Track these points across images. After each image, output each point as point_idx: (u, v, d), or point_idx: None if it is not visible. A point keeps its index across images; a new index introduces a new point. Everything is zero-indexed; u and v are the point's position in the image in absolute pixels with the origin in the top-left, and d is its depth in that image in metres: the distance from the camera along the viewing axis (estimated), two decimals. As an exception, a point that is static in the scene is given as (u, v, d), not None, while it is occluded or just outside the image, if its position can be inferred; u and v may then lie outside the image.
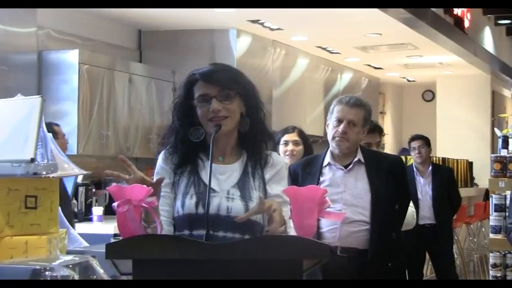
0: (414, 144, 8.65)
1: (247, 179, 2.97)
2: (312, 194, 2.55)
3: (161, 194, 2.88)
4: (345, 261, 4.23)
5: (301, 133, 5.55)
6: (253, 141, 3.02)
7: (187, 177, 2.98)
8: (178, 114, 3.01)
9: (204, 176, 2.96)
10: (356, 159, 4.36)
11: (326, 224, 4.25)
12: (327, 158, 4.41)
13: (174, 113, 3.03)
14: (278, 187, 2.99)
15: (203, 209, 2.89)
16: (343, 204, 4.25)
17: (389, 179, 4.34)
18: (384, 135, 5.64)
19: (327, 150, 4.44)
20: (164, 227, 2.88)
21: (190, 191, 2.94)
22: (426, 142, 8.67)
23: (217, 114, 2.92)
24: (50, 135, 2.89)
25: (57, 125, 7.35)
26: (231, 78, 2.99)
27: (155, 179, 2.98)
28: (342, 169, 4.37)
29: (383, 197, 4.29)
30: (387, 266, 4.28)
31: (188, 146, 2.98)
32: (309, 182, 4.24)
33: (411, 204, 4.90)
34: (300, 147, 5.46)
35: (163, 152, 3.04)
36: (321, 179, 4.38)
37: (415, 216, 5.05)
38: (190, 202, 2.92)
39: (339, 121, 4.32)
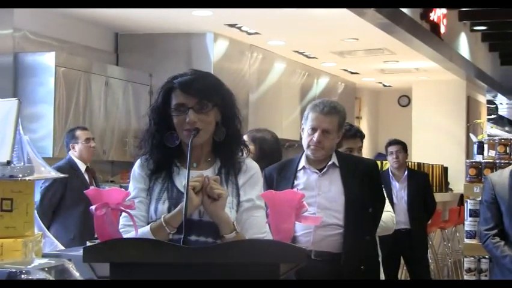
0: (392, 148, 8.68)
1: (220, 184, 2.97)
2: (289, 198, 2.55)
3: (138, 199, 2.89)
4: (319, 265, 4.23)
5: (252, 136, 5.50)
6: (228, 150, 3.02)
7: (161, 183, 2.98)
8: (154, 119, 3.01)
9: (178, 182, 2.96)
10: (330, 162, 4.38)
11: (300, 228, 4.26)
12: (302, 162, 4.43)
13: (151, 117, 3.02)
14: (252, 192, 2.99)
15: None
16: (317, 208, 4.26)
17: (364, 183, 4.36)
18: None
19: (302, 153, 4.45)
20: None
21: (163, 197, 2.94)
22: (403, 147, 8.70)
23: (193, 126, 2.91)
24: (26, 137, 2.88)
25: (84, 128, 7.31)
26: (209, 89, 2.96)
27: (131, 185, 2.98)
28: (316, 172, 4.38)
29: (356, 200, 4.31)
30: (360, 269, 4.29)
31: (164, 152, 2.98)
32: (284, 186, 4.27)
33: (390, 209, 4.91)
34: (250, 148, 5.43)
35: (139, 159, 3.03)
36: (296, 182, 4.39)
37: (395, 222, 5.06)
38: (163, 207, 2.91)
39: (314, 129, 4.33)
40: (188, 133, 2.91)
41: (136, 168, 3.02)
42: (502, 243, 4.95)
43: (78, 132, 7.20)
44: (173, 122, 2.95)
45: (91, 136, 7.28)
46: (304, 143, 4.39)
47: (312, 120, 4.34)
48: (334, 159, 4.39)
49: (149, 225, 2.83)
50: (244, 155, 3.05)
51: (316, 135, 4.30)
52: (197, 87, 2.94)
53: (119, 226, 2.76)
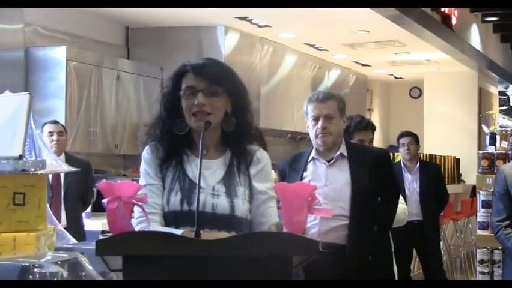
0: (404, 140, 8.67)
1: (233, 175, 2.97)
2: (301, 190, 2.54)
3: (152, 186, 2.90)
4: (326, 257, 4.22)
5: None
6: (238, 142, 3.01)
7: (173, 171, 2.97)
8: (165, 104, 3.00)
9: (189, 170, 2.96)
10: (338, 153, 4.40)
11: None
12: (312, 154, 4.48)
13: (162, 103, 3.02)
14: (265, 184, 3.00)
15: (188, 206, 2.89)
16: (324, 199, 4.25)
17: (372, 172, 4.36)
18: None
19: (313, 147, 4.48)
20: (158, 219, 2.90)
21: (175, 187, 2.93)
22: (415, 139, 8.69)
23: (201, 109, 2.90)
24: (38, 132, 2.89)
25: (53, 122, 7.19)
26: (221, 75, 2.98)
27: (144, 170, 2.97)
28: (325, 163, 4.41)
29: (363, 190, 4.32)
30: (367, 260, 4.29)
31: (173, 139, 2.97)
32: (294, 177, 4.35)
33: (402, 201, 4.90)
34: None
35: (148, 146, 3.02)
36: (305, 174, 4.44)
37: (407, 213, 5.06)
38: (175, 199, 2.91)
39: (316, 119, 4.39)
40: (195, 117, 2.90)
41: (148, 154, 3.00)
42: (514, 234, 4.94)
43: (45, 126, 7.09)
44: (183, 107, 2.95)
45: (55, 130, 7.02)
46: (312, 135, 4.45)
47: (311, 111, 4.43)
48: (343, 149, 4.42)
49: (182, 232, 2.79)
50: (256, 146, 3.05)
51: (320, 122, 4.38)
52: (208, 71, 2.95)
53: (135, 218, 2.76)
